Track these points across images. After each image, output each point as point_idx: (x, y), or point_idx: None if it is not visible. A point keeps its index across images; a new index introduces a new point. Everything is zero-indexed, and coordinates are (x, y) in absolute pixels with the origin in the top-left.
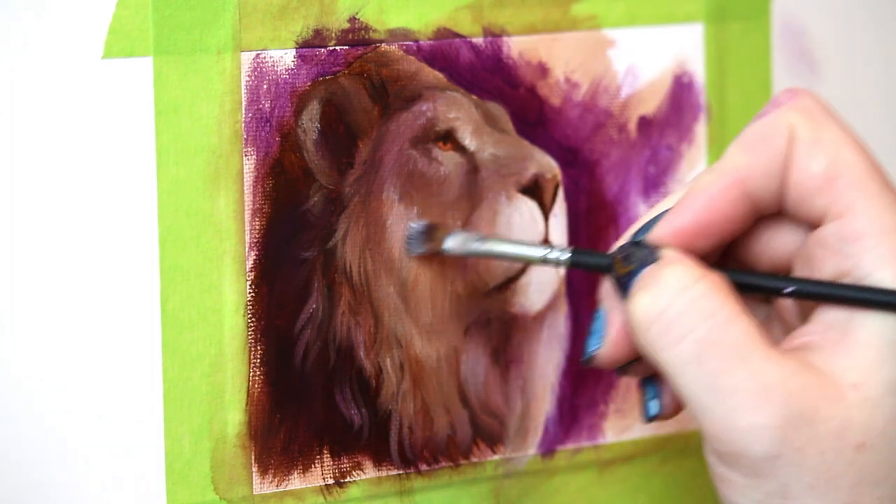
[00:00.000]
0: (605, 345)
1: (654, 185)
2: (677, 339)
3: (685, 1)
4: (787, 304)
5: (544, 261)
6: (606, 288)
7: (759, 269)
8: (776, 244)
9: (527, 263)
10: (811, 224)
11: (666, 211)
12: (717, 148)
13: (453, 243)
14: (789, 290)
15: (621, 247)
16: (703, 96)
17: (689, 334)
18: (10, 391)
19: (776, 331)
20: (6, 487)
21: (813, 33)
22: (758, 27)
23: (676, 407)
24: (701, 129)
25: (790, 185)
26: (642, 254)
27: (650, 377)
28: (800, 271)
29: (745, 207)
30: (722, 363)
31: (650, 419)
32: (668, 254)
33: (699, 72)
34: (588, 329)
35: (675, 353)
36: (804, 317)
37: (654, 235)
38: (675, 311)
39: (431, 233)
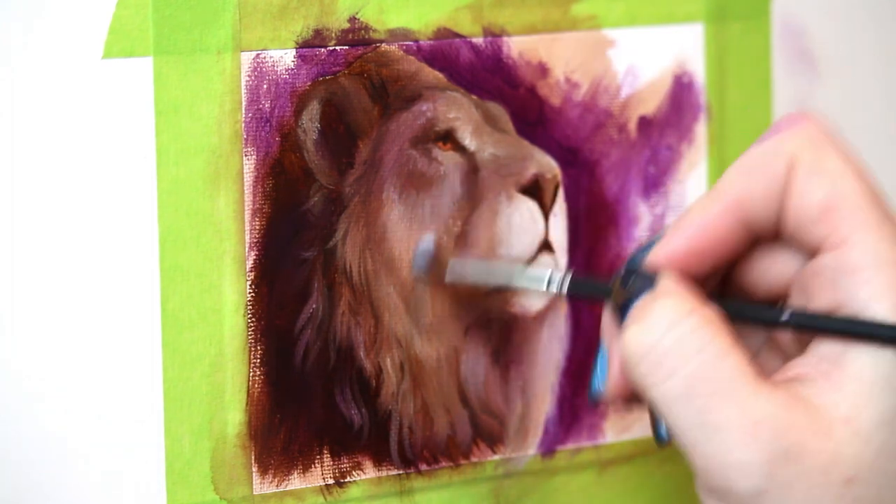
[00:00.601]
0: (609, 383)
1: (654, 185)
2: (666, 376)
3: (685, 1)
4: (783, 333)
5: (546, 291)
6: (606, 322)
7: (756, 295)
8: (774, 270)
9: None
10: (809, 252)
11: (663, 234)
12: (717, 148)
13: (455, 274)
14: (784, 319)
15: (619, 272)
16: (703, 96)
17: (679, 371)
18: (10, 391)
19: (773, 358)
20: (6, 487)
21: (813, 33)
22: (758, 27)
23: None
24: (701, 129)
25: (789, 212)
26: (640, 281)
27: None
28: (796, 299)
29: (741, 233)
30: (710, 400)
31: (663, 444)
32: (664, 282)
33: (699, 72)
34: (592, 366)
35: (664, 390)
36: (801, 346)
37: (650, 260)
38: (665, 347)
39: (436, 262)
